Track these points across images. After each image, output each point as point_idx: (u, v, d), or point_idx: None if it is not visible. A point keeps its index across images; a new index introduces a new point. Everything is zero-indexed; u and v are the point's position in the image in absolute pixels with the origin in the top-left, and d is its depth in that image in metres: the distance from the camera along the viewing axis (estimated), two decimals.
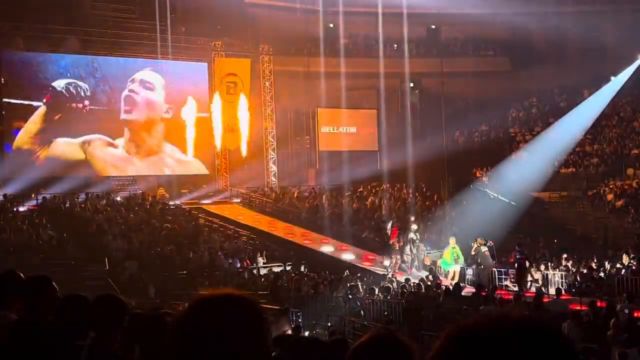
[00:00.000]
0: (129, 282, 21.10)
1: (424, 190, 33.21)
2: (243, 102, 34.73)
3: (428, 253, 24.93)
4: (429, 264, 23.76)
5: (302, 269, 23.54)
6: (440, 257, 24.17)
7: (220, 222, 28.90)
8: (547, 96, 38.90)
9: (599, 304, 15.54)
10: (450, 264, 22.99)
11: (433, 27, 40.97)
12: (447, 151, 32.39)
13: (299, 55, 36.56)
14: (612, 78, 35.69)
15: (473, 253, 22.54)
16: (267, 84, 35.46)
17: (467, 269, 22.78)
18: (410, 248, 24.31)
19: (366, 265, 25.22)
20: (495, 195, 28.81)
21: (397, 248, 24.49)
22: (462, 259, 22.98)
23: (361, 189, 33.15)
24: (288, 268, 23.39)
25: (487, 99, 37.08)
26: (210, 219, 29.34)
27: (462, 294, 18.91)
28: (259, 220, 30.00)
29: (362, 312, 17.62)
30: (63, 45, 31.13)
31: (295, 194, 32.89)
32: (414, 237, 24.51)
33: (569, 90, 37.16)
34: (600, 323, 13.84)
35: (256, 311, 1.68)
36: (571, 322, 13.65)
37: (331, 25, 38.26)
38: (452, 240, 23.36)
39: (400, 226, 25.87)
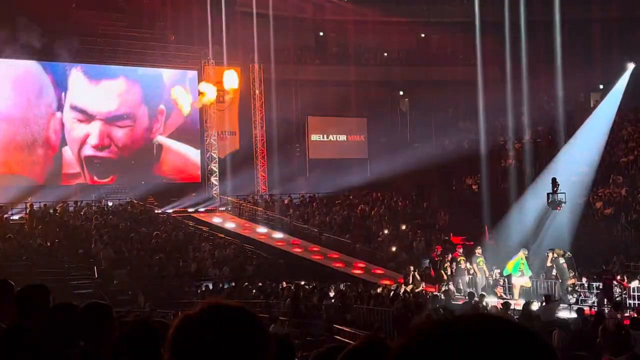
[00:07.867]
0: (118, 290, 21.01)
1: (414, 198, 33.27)
2: (233, 110, 34.70)
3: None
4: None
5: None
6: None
7: (210, 231, 28.85)
8: (536, 105, 38.99)
9: (587, 312, 15.56)
10: (510, 273, 20.77)
11: (423, 35, 41.11)
12: (436, 159, 32.42)
13: (289, 63, 36.59)
14: (601, 86, 35.76)
15: (549, 264, 20.23)
16: (257, 92, 35.45)
17: (536, 281, 20.77)
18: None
19: (356, 273, 25.22)
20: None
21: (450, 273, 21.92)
22: (528, 273, 20.54)
23: (351, 197, 33.19)
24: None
25: (476, 108, 37.15)
26: (199, 227, 29.28)
27: (453, 302, 18.92)
28: (249, 228, 29.96)
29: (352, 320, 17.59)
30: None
31: (286, 202, 32.87)
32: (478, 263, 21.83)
33: (559, 98, 37.28)
34: (589, 331, 13.87)
35: (258, 325, 1.64)
36: (560, 330, 13.68)
37: (321, 33, 38.37)
38: (522, 252, 20.74)
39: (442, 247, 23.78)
